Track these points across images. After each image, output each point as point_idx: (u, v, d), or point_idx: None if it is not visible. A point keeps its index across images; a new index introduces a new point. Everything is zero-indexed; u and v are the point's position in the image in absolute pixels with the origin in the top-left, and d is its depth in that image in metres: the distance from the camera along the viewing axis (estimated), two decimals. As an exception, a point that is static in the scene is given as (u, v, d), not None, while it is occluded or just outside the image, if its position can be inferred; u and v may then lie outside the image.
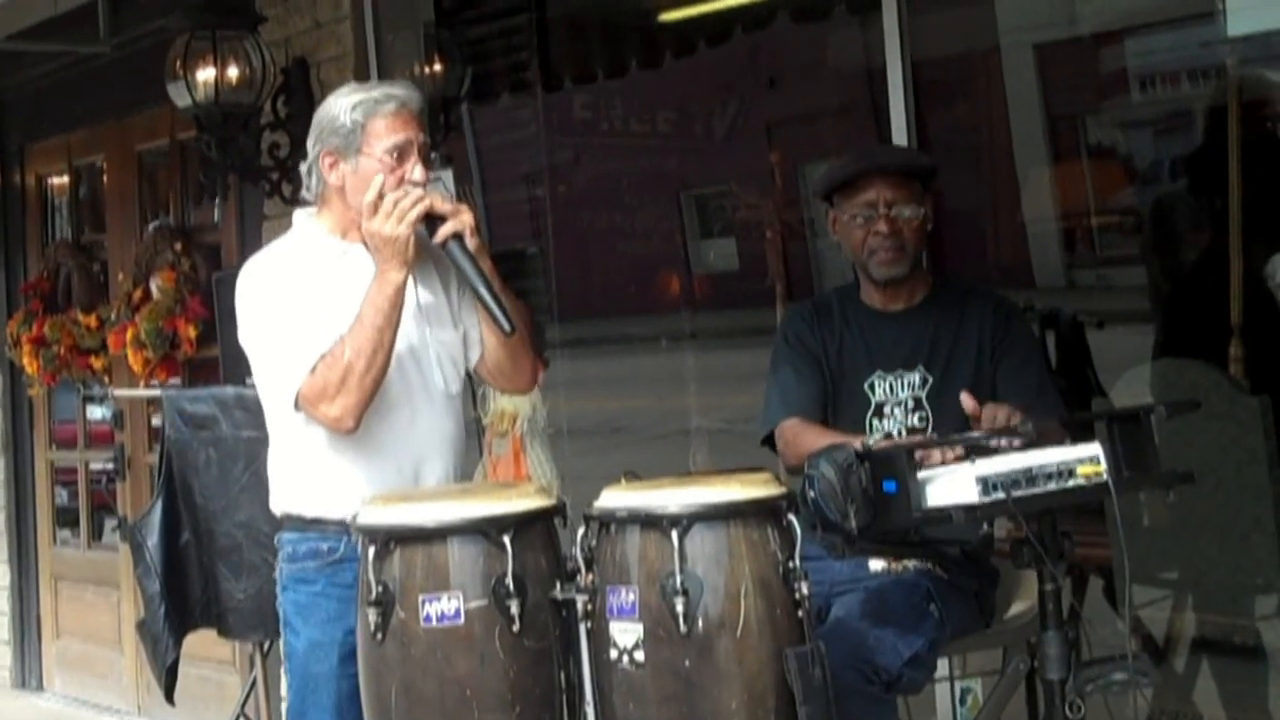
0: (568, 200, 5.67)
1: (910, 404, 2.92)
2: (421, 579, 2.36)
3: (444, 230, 2.63)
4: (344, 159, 2.69)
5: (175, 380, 5.43)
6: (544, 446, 4.20)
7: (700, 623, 2.26)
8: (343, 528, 2.60)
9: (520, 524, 2.39)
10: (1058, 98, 4.54)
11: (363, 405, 2.61)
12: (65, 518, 6.58)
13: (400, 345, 2.69)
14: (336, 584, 2.67)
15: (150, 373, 5.42)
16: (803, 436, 2.87)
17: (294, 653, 2.74)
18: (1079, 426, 2.50)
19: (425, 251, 2.70)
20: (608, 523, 2.36)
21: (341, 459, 2.69)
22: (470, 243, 2.63)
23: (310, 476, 2.73)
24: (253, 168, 4.53)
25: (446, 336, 2.78)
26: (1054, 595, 2.40)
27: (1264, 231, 3.48)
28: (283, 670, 2.80)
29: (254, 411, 3.54)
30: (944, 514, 2.28)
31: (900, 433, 2.91)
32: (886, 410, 2.94)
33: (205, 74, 4.38)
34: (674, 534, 2.27)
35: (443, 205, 2.65)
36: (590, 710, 2.37)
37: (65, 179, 6.60)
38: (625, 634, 2.29)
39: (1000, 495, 2.25)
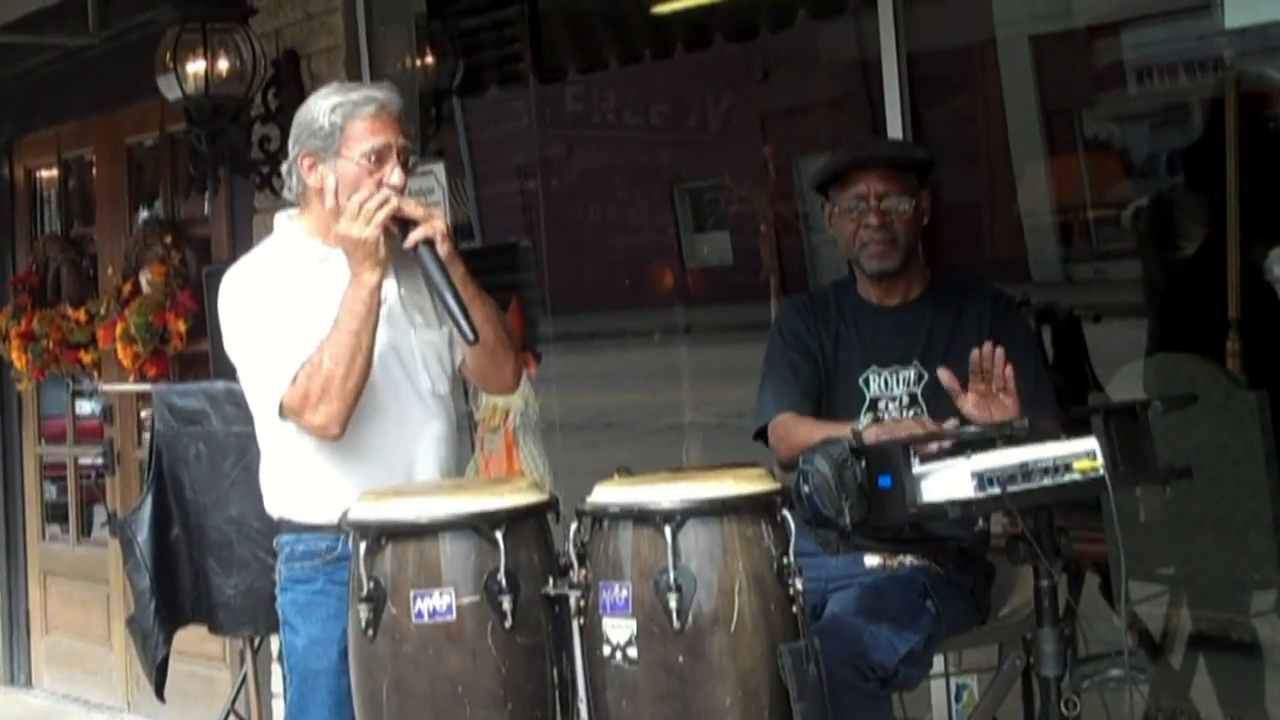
0: (560, 193, 5.66)
1: (905, 400, 2.91)
2: (413, 575, 2.36)
3: (413, 236, 2.61)
4: (323, 161, 2.68)
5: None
6: (536, 441, 4.19)
7: (694, 619, 2.25)
8: (339, 529, 2.58)
9: (512, 519, 2.38)
10: (1054, 90, 4.54)
11: (346, 411, 2.60)
12: (54, 513, 6.56)
13: (385, 347, 2.69)
14: (336, 581, 2.64)
15: (140, 367, 5.41)
16: (795, 430, 2.86)
17: (294, 650, 2.73)
18: (1075, 422, 2.48)
19: (410, 253, 2.68)
20: (600, 518, 2.35)
21: (332, 464, 2.68)
22: (441, 249, 2.61)
23: (302, 482, 2.73)
24: (243, 161, 4.51)
25: (432, 337, 2.77)
26: (1050, 591, 2.39)
27: (1262, 225, 3.46)
28: (274, 668, 2.78)
29: (244, 406, 3.49)
30: (939, 509, 2.27)
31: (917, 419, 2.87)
32: (881, 406, 2.92)
33: (195, 66, 4.36)
34: (667, 530, 2.26)
35: (414, 211, 2.63)
36: (583, 707, 2.37)
37: (54, 172, 6.58)
38: (618, 630, 2.28)
39: (996, 490, 2.24)
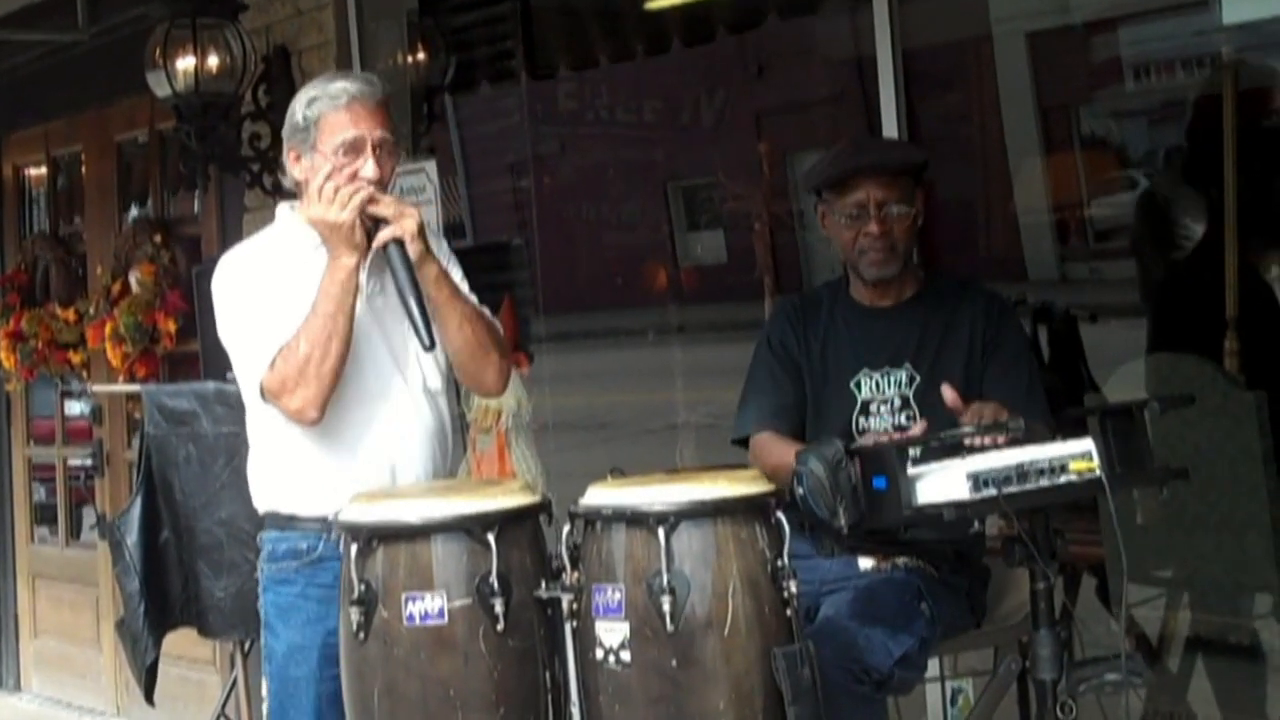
0: (553, 191, 5.65)
1: (897, 402, 2.89)
2: (405, 577, 2.35)
3: (381, 235, 2.61)
4: (304, 154, 2.69)
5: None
6: (529, 442, 4.18)
7: (687, 622, 2.24)
8: (322, 525, 2.60)
9: (505, 522, 2.37)
10: (1050, 87, 4.53)
11: (323, 395, 2.60)
12: (43, 515, 6.54)
13: (377, 339, 2.69)
14: (316, 584, 2.66)
15: (129, 367, 5.39)
16: (769, 452, 2.86)
17: (273, 655, 2.73)
18: (1071, 422, 2.46)
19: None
20: (593, 520, 2.34)
21: (319, 453, 2.69)
22: (411, 249, 2.60)
23: (288, 471, 2.73)
24: (233, 158, 4.51)
25: None
26: (1046, 594, 2.38)
27: (1260, 223, 3.44)
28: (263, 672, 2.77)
29: (234, 407, 3.51)
30: (934, 511, 2.26)
31: (887, 431, 2.86)
32: (873, 409, 2.90)
33: (185, 63, 4.35)
34: (660, 532, 2.25)
35: (385, 209, 2.62)
36: (576, 711, 2.35)
37: (43, 170, 6.56)
38: (611, 633, 2.27)
39: (991, 492, 2.24)
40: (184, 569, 3.90)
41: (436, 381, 2.78)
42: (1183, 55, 4.14)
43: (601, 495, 2.36)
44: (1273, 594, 3.34)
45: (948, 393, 2.60)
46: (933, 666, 3.01)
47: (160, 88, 4.38)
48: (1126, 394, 3.39)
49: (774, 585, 2.28)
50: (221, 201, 5.17)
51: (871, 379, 2.91)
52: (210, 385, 3.92)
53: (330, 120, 2.64)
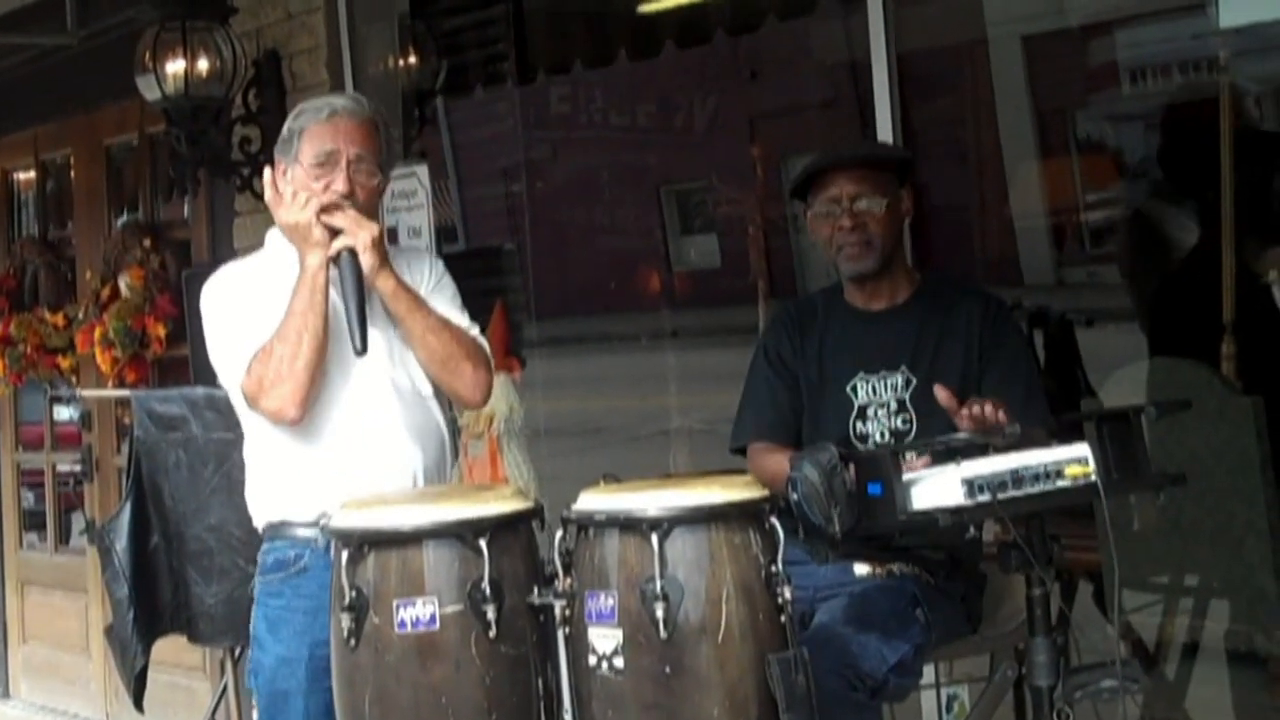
0: (545, 196, 5.65)
1: (894, 406, 2.88)
2: (396, 584, 2.33)
3: (335, 245, 2.68)
4: (289, 167, 2.77)
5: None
6: (521, 448, 4.17)
7: (681, 628, 2.22)
8: (310, 529, 2.60)
9: (497, 527, 2.36)
10: (1046, 91, 4.54)
11: (300, 392, 2.64)
12: (32, 521, 6.52)
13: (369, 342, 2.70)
14: (301, 595, 2.68)
15: (119, 372, 5.38)
16: (766, 463, 2.87)
17: (260, 669, 2.75)
18: (1067, 427, 2.45)
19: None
20: (586, 526, 2.32)
21: (308, 458, 2.71)
22: (365, 258, 2.66)
23: (281, 478, 2.76)
24: (223, 162, 4.51)
25: None
26: (1042, 600, 2.37)
27: (1256, 227, 3.43)
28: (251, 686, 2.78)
29: (224, 412, 3.51)
30: (929, 517, 2.25)
31: (884, 435, 2.87)
32: (870, 413, 2.90)
33: (175, 66, 4.35)
34: (654, 538, 2.23)
35: (340, 220, 2.69)
36: (568, 718, 2.34)
37: (32, 174, 6.54)
38: (604, 640, 2.26)
39: (987, 497, 2.23)
40: (174, 575, 3.89)
41: (427, 386, 2.79)
42: (1179, 59, 4.15)
43: (594, 501, 2.35)
44: (1270, 599, 3.32)
45: (941, 392, 2.59)
46: (928, 673, 3.00)
47: (150, 91, 4.37)
48: (1123, 399, 3.38)
49: (768, 591, 2.27)
50: (211, 206, 5.16)
51: (868, 383, 2.90)
52: (200, 390, 3.91)
53: (311, 132, 2.74)
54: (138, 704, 3.95)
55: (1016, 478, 2.24)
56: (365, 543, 2.35)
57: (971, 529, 2.62)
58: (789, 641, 2.28)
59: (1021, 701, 2.79)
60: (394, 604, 2.31)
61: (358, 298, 2.65)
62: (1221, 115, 3.41)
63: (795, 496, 2.32)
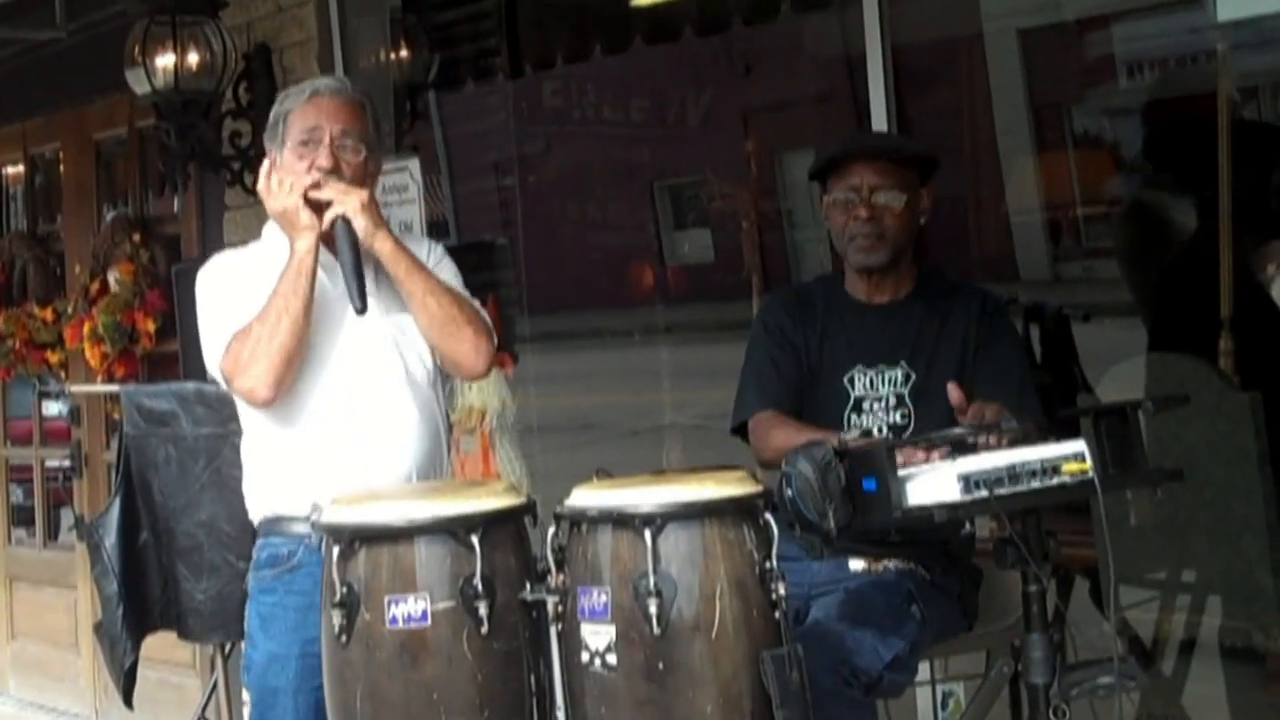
0: (538, 190, 5.63)
1: (891, 401, 2.87)
2: (387, 580, 2.32)
3: (327, 216, 2.67)
4: (277, 154, 2.77)
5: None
6: (513, 443, 4.16)
7: (674, 624, 2.21)
8: (304, 524, 2.57)
9: (489, 523, 2.34)
10: (1043, 85, 4.53)
11: (272, 373, 2.63)
12: (20, 516, 6.51)
13: (356, 333, 2.71)
14: (293, 591, 2.67)
15: (108, 368, 5.36)
16: (776, 431, 2.82)
17: (252, 665, 2.75)
18: (1064, 423, 2.44)
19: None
20: (579, 522, 2.31)
21: (300, 449, 2.70)
22: (357, 223, 2.65)
23: (273, 472, 2.75)
24: (213, 156, 4.51)
25: (405, 322, 2.77)
26: (1038, 597, 2.35)
27: (1255, 222, 3.43)
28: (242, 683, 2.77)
29: (215, 408, 3.49)
30: (925, 513, 2.24)
31: (880, 429, 2.85)
32: (866, 406, 2.88)
33: (165, 60, 4.34)
34: (647, 533, 2.22)
35: (329, 193, 2.68)
36: (561, 714, 2.34)
37: (20, 168, 6.54)
38: (597, 636, 2.25)
39: (983, 493, 2.22)
40: (163, 571, 3.86)
41: (422, 374, 2.78)
42: (1176, 52, 4.14)
43: (587, 496, 2.34)
44: (1267, 596, 3.32)
45: (953, 391, 2.57)
46: (923, 670, 2.99)
47: (139, 85, 4.37)
48: (1120, 394, 3.38)
49: (762, 587, 2.26)
50: (201, 200, 5.14)
51: (865, 376, 2.88)
52: (190, 386, 3.89)
53: (295, 115, 2.74)
54: (127, 700, 3.93)
55: (1013, 474, 2.23)
56: (356, 538, 2.34)
57: (967, 525, 2.63)
58: (783, 638, 2.26)
59: (1017, 698, 2.78)
60: (385, 600, 2.30)
61: (354, 259, 2.64)
62: (1219, 108, 3.41)
63: (789, 492, 2.31)
